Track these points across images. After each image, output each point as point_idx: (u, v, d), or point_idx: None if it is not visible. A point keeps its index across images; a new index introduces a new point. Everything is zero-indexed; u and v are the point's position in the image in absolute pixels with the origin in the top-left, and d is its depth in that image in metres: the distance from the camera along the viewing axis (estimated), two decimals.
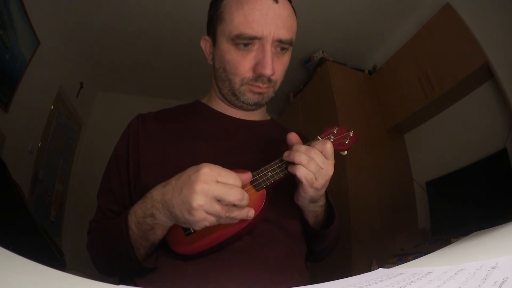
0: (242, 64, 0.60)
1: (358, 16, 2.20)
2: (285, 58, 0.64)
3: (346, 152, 0.61)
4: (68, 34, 2.25)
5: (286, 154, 0.54)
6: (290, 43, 0.62)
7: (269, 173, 0.53)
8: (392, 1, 2.08)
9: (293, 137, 0.57)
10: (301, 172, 0.50)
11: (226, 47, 0.61)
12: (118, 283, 0.34)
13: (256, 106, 0.67)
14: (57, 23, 2.11)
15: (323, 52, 2.50)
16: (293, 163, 0.52)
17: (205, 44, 0.69)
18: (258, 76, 0.61)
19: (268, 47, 0.58)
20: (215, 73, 0.68)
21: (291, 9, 0.63)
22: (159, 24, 2.24)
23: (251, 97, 0.64)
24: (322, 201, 0.60)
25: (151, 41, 2.42)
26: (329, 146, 0.52)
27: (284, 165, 0.55)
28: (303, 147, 0.52)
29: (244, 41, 0.58)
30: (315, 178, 0.51)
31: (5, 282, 0.22)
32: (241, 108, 0.69)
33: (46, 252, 1.44)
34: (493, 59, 1.57)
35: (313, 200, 0.57)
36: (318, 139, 0.59)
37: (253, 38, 0.58)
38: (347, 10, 2.14)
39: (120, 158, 0.64)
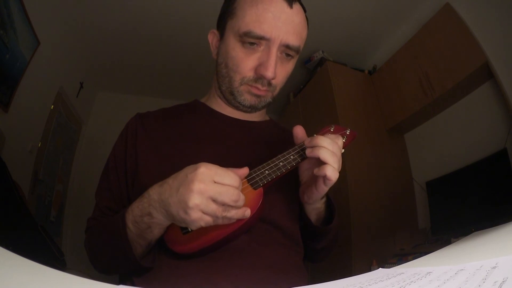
0: (245, 63, 0.60)
1: (358, 16, 2.20)
2: (289, 65, 0.64)
3: (343, 150, 0.61)
4: (68, 34, 2.25)
5: (309, 151, 0.52)
6: (297, 50, 0.61)
7: (266, 171, 0.53)
8: (392, 1, 2.08)
9: (299, 130, 0.57)
10: (330, 172, 0.49)
11: (232, 42, 0.61)
12: (118, 283, 0.34)
13: (251, 109, 0.66)
14: (57, 23, 2.11)
15: (323, 52, 2.50)
16: (300, 157, 0.54)
17: (212, 37, 0.69)
18: (258, 78, 0.60)
19: (274, 50, 0.58)
20: (217, 68, 0.68)
21: (304, 17, 0.62)
22: (159, 24, 2.24)
23: (248, 99, 0.63)
24: (325, 197, 0.60)
25: (151, 41, 2.42)
26: (340, 142, 0.53)
27: (281, 163, 0.54)
28: (326, 141, 0.51)
29: (251, 40, 0.58)
30: None
31: (5, 282, 0.22)
32: (237, 108, 0.68)
33: (46, 252, 1.44)
34: (493, 59, 1.57)
35: (322, 197, 0.57)
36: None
37: (261, 38, 0.57)
38: (347, 10, 2.14)
39: (118, 158, 0.64)
